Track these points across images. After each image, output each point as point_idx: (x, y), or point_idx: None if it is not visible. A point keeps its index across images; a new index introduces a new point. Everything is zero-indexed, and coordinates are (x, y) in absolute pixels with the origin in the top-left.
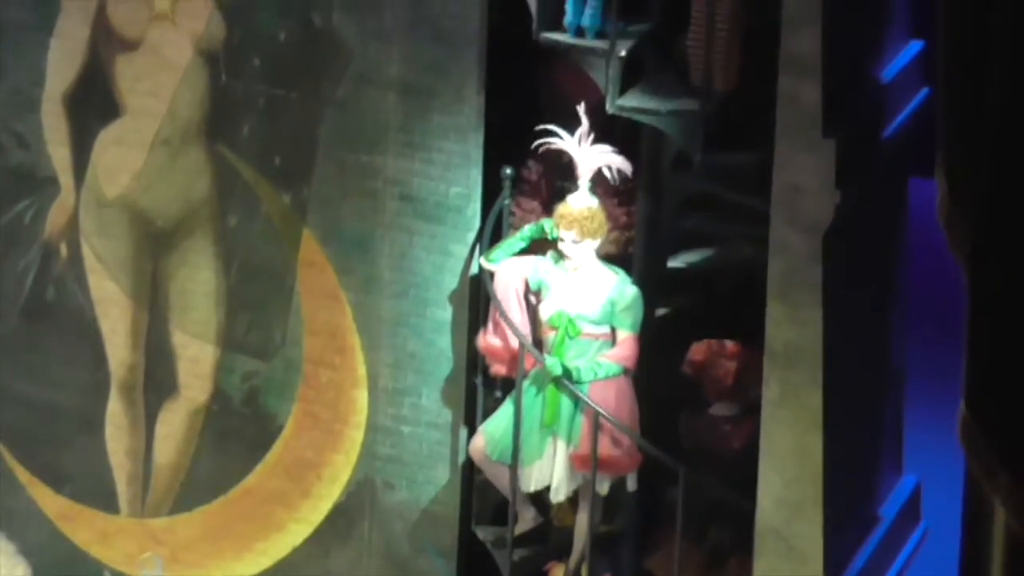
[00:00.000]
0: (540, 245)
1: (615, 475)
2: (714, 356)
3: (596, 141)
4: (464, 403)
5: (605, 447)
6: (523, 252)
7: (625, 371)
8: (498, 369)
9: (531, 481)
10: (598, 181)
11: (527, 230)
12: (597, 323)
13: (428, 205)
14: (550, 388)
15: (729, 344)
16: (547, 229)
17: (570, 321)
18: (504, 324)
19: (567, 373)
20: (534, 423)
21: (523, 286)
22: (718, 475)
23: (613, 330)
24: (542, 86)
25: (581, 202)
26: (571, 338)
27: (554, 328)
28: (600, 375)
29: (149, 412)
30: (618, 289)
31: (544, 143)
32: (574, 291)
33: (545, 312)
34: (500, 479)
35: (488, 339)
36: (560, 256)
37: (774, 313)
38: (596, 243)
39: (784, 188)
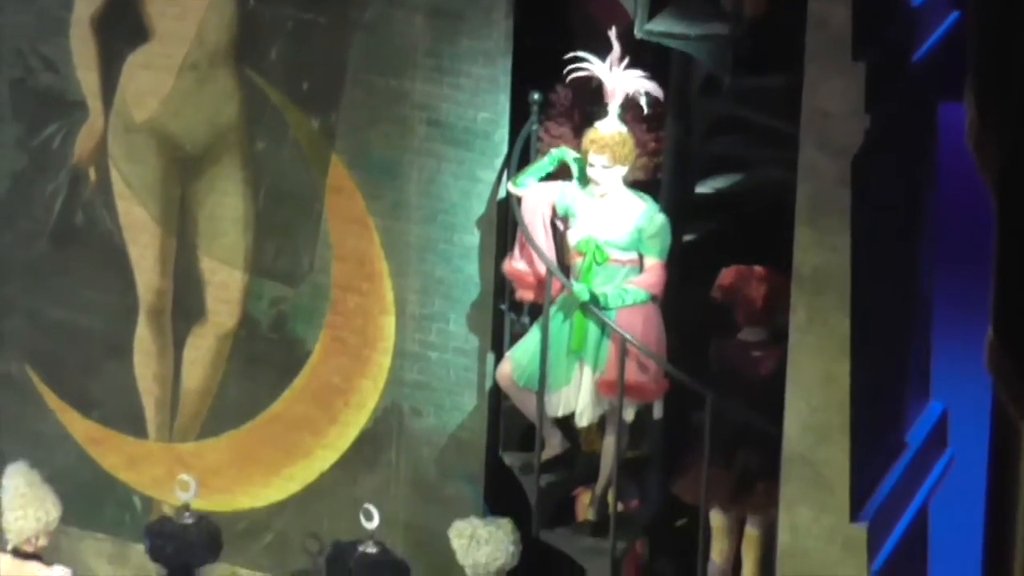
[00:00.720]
0: (567, 170)
1: (641, 401)
2: (743, 281)
3: (626, 66)
4: (492, 329)
5: (632, 373)
6: (550, 177)
7: (653, 298)
8: (524, 294)
9: (558, 407)
10: (627, 107)
11: (554, 153)
12: (625, 249)
13: (456, 130)
14: (577, 314)
15: (758, 269)
16: (569, 159)
17: (598, 247)
18: (531, 249)
19: (594, 299)
20: (561, 349)
21: (550, 211)
22: (747, 400)
23: (641, 257)
24: (571, 10)
25: (611, 127)
26: (599, 264)
27: (582, 254)
28: (628, 301)
29: (177, 338)
30: (646, 216)
31: (575, 69)
32: (602, 217)
33: (573, 237)
34: (527, 405)
35: (514, 264)
36: (587, 181)
37: (802, 238)
38: (625, 169)
39: (813, 112)
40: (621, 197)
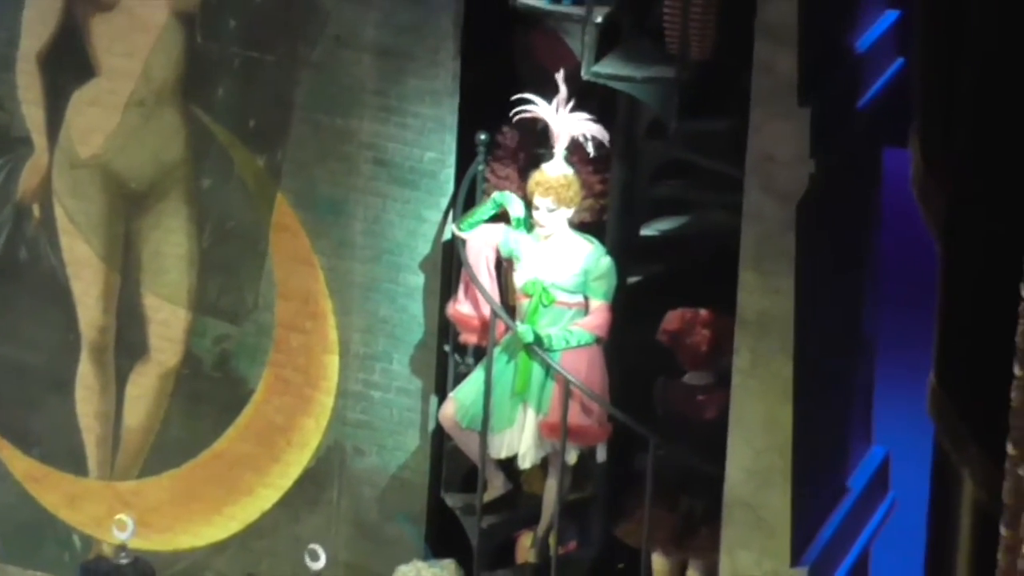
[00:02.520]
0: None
1: (584, 445)
2: (688, 324)
3: (572, 108)
4: (435, 369)
5: (575, 416)
6: (494, 219)
7: (597, 340)
8: (467, 337)
9: (501, 448)
10: (573, 149)
11: (495, 198)
12: (571, 292)
13: (402, 170)
14: (521, 356)
15: (703, 312)
16: (508, 204)
17: (544, 289)
18: (475, 292)
19: (539, 340)
20: (505, 390)
21: (494, 254)
22: (692, 444)
23: (586, 299)
24: (518, 51)
25: (557, 169)
26: (545, 306)
27: (528, 296)
28: (572, 343)
29: (119, 375)
30: (592, 258)
31: (521, 111)
32: (548, 259)
33: (519, 279)
34: (470, 446)
35: (458, 307)
36: (528, 227)
37: (746, 281)
38: (570, 212)
39: (759, 156)
40: (566, 239)
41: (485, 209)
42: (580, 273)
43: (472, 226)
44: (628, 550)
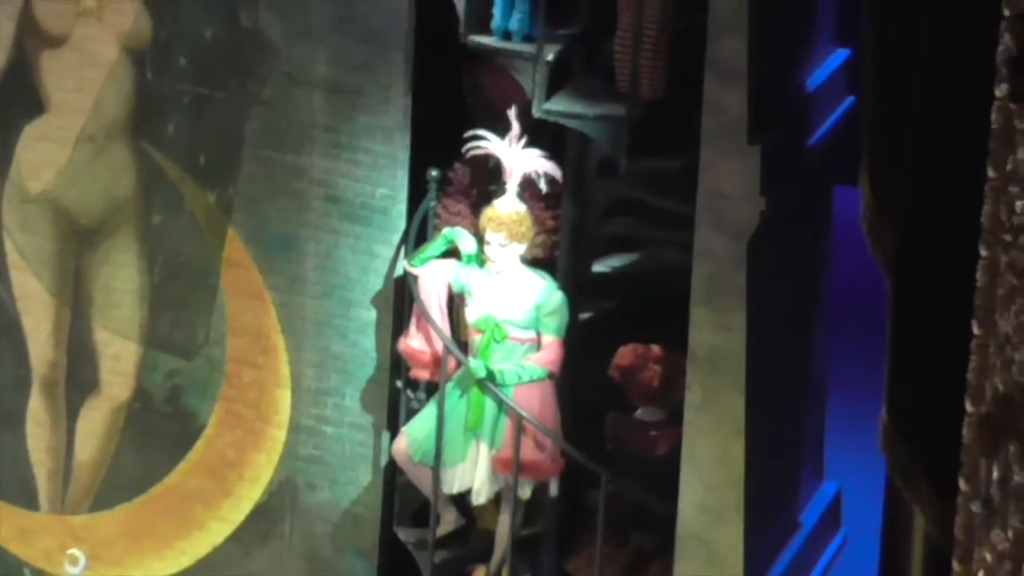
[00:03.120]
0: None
1: (537, 480)
2: (640, 360)
3: (525, 145)
4: (387, 404)
5: (528, 451)
6: (445, 255)
7: (550, 375)
8: (419, 373)
9: (454, 483)
10: (525, 185)
11: (446, 233)
12: (524, 327)
13: (354, 206)
14: (474, 391)
15: (655, 348)
16: (459, 241)
17: (497, 325)
18: (427, 327)
19: (491, 376)
20: (458, 426)
21: (445, 290)
22: (643, 479)
23: (539, 334)
24: (469, 88)
25: (509, 206)
26: (497, 342)
27: (480, 331)
28: (525, 378)
29: (71, 409)
30: (544, 294)
31: (474, 147)
32: (500, 295)
33: (471, 315)
34: (422, 480)
35: (409, 343)
36: (480, 262)
37: (697, 318)
38: (522, 248)
39: (709, 194)
40: (518, 275)
41: (436, 245)
42: (532, 309)
43: (423, 262)
44: None
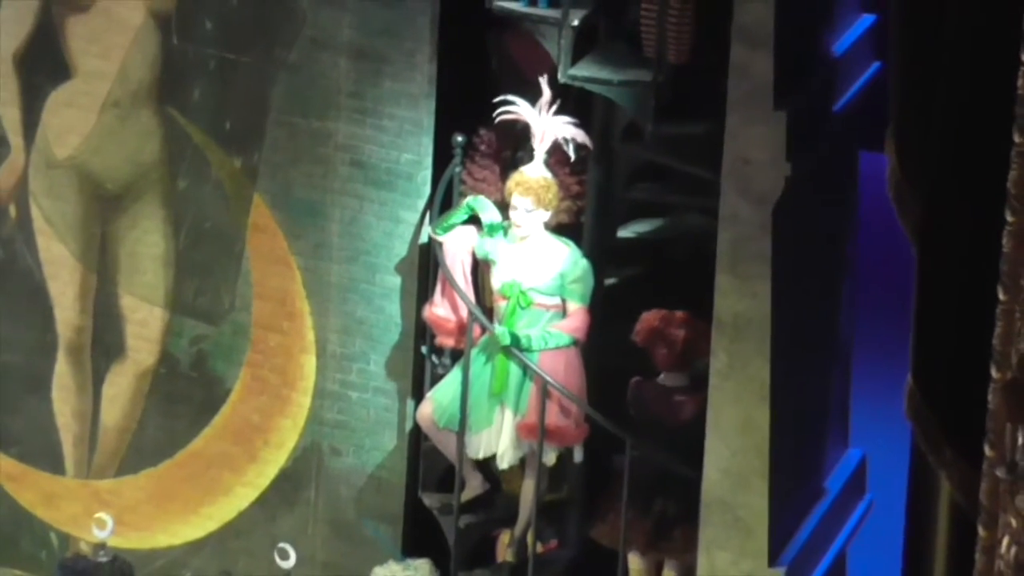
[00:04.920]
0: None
1: (562, 445)
2: (663, 325)
3: (554, 112)
4: (412, 370)
5: (552, 417)
6: (470, 222)
7: (575, 342)
8: (444, 340)
9: (479, 449)
10: (551, 151)
11: (468, 202)
12: (549, 294)
13: (379, 171)
14: (499, 357)
15: (679, 314)
16: (480, 209)
17: (522, 292)
18: (452, 294)
19: (516, 342)
20: (483, 391)
21: (470, 257)
22: (666, 445)
23: (564, 301)
24: (494, 54)
25: (537, 171)
26: (522, 308)
27: (505, 298)
28: (550, 344)
29: (96, 374)
30: (569, 261)
31: (504, 112)
32: (524, 262)
33: (496, 281)
34: (447, 446)
35: (434, 310)
36: (503, 229)
37: (723, 284)
38: (548, 214)
39: (735, 160)
40: (543, 242)
41: (459, 213)
42: (557, 276)
43: (447, 229)
44: (605, 550)
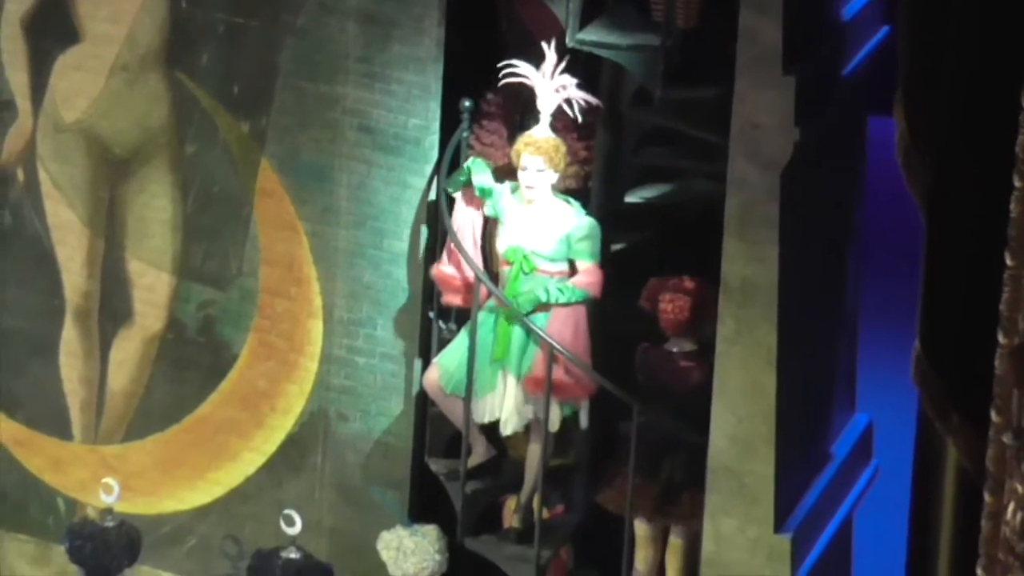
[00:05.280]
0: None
1: (566, 400)
2: (671, 291)
3: (560, 74)
4: (419, 335)
5: (558, 373)
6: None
7: (588, 298)
8: (450, 299)
9: (484, 413)
10: (557, 116)
11: (467, 164)
12: (553, 260)
13: (386, 136)
14: (502, 322)
15: (687, 279)
16: (474, 171)
17: (525, 257)
18: (458, 256)
19: (536, 302)
20: (486, 356)
21: (480, 219)
22: (674, 411)
23: (571, 267)
24: (503, 18)
25: (546, 132)
26: (526, 273)
27: (509, 263)
28: (567, 297)
29: (104, 340)
30: (574, 222)
31: (509, 74)
32: (529, 225)
33: (501, 245)
34: (454, 412)
35: (442, 268)
36: (488, 193)
37: (730, 249)
38: (556, 177)
39: (743, 124)
40: (549, 205)
41: (463, 174)
42: (563, 239)
43: (458, 187)
44: (611, 516)
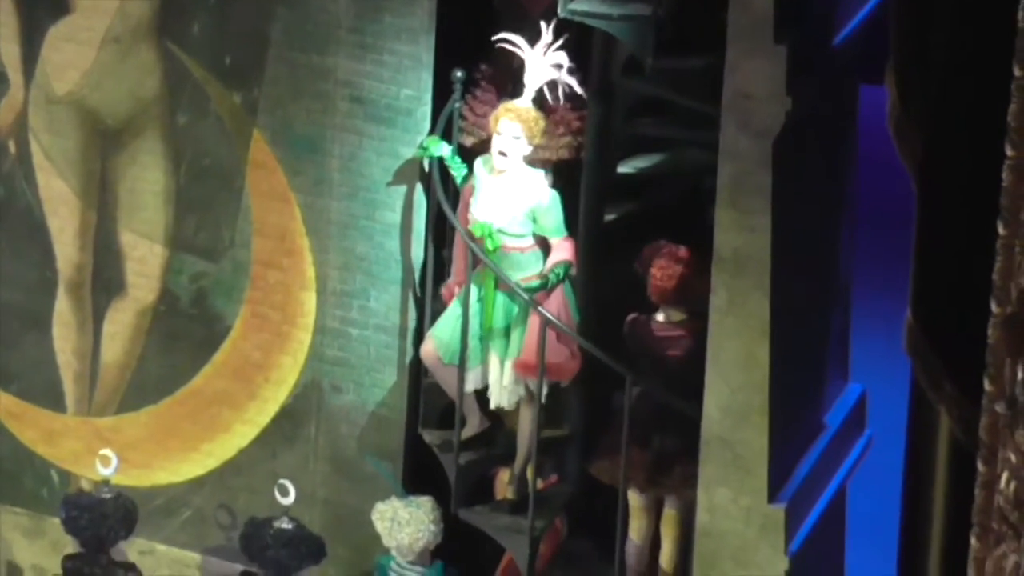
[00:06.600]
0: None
1: (559, 379)
2: (665, 257)
3: (554, 49)
4: (413, 306)
5: (548, 353)
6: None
7: (569, 271)
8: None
9: (477, 380)
10: (541, 91)
11: (422, 142)
12: (518, 236)
13: (379, 107)
14: (488, 294)
15: (681, 248)
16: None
17: (491, 234)
18: (460, 256)
19: (538, 288)
20: (476, 324)
21: (469, 191)
22: (663, 381)
23: (542, 241)
24: None
25: (527, 103)
26: (491, 251)
27: (479, 239)
28: (559, 276)
29: (97, 311)
30: (536, 197)
31: (502, 40)
32: (497, 198)
33: (471, 220)
34: (451, 383)
35: (448, 282)
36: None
37: (723, 219)
38: (529, 149)
39: (735, 94)
40: (518, 177)
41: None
42: (528, 213)
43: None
44: (605, 486)
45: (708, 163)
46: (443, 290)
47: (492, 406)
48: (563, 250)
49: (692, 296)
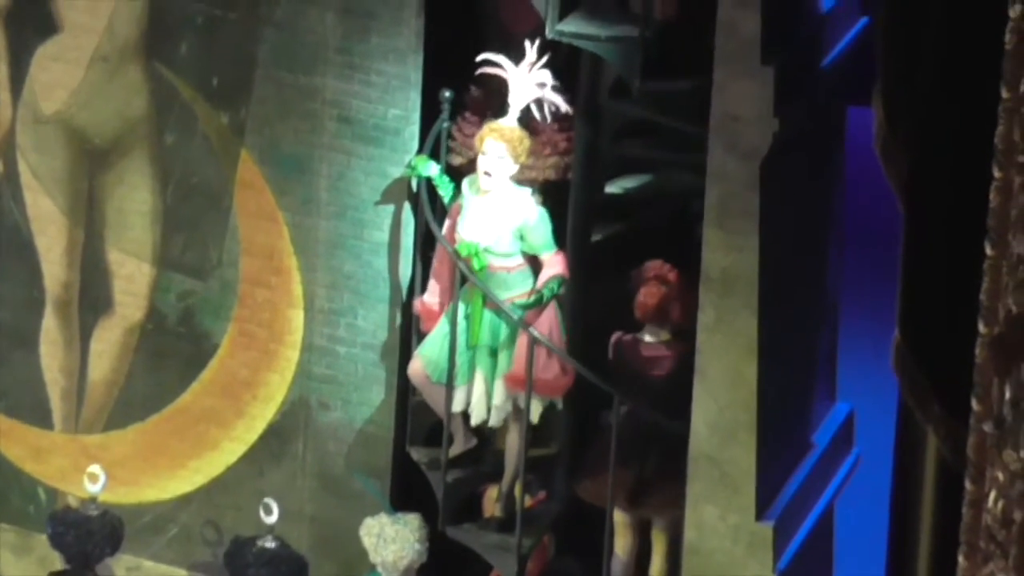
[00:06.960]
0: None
1: (547, 395)
2: (653, 277)
3: (539, 68)
4: (400, 325)
5: (537, 370)
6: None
7: (562, 285)
8: (428, 326)
9: (463, 401)
10: (526, 111)
11: (410, 161)
12: (505, 256)
13: (366, 127)
14: (475, 312)
15: (670, 269)
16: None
17: (477, 253)
18: (441, 278)
19: (531, 305)
20: (464, 342)
21: (456, 210)
22: (649, 401)
23: (532, 259)
24: (482, 9)
25: (512, 123)
26: (479, 270)
27: (465, 258)
28: (552, 292)
29: (84, 329)
30: (523, 215)
31: (487, 62)
32: (484, 218)
33: (458, 240)
34: (439, 401)
35: (425, 300)
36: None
37: (711, 239)
38: (515, 169)
39: (722, 115)
40: (504, 196)
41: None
42: (516, 231)
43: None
44: (591, 506)
45: (696, 184)
46: (416, 304)
47: (473, 423)
48: (555, 264)
49: (676, 316)
